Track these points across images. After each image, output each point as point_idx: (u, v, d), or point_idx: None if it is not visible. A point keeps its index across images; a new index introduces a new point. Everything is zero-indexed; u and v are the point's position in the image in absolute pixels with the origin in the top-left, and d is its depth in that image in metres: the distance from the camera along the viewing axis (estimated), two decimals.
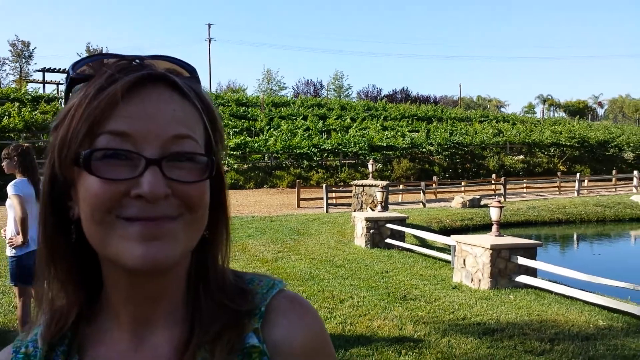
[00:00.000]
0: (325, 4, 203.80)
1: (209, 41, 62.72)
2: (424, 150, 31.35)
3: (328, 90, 69.46)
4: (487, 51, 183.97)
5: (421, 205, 19.70)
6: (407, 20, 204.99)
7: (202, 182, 0.63)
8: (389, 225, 11.37)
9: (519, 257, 7.76)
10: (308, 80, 64.00)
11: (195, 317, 0.68)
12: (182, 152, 0.62)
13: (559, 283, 7.70)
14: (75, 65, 0.66)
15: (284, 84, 65.48)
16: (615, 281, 6.52)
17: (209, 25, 62.93)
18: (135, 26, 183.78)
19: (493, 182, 24.69)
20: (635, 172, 27.11)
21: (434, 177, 24.51)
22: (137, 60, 0.64)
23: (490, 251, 7.72)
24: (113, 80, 0.61)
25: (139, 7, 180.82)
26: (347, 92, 70.99)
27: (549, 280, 7.87)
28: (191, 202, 0.62)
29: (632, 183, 26.52)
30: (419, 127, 37.05)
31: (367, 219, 11.34)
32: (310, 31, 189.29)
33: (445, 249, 10.76)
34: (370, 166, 15.64)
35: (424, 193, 20.44)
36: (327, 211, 18.18)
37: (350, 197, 17.38)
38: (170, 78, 0.63)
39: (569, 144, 36.46)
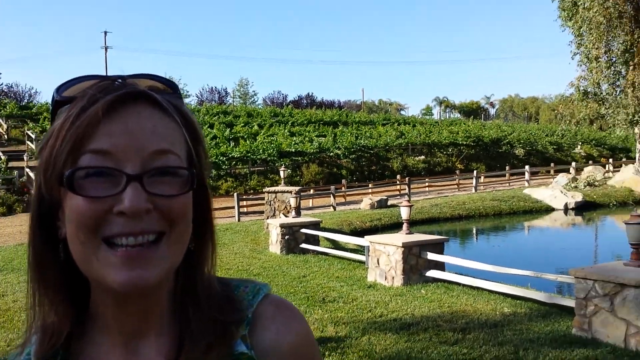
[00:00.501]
0: (228, 11, 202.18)
1: (105, 49, 60.26)
2: (331, 154, 31.91)
3: (233, 98, 68.84)
4: (387, 56, 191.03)
5: (332, 209, 20.05)
6: (310, 26, 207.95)
7: (184, 195, 0.64)
8: (303, 231, 11.51)
9: (429, 253, 8.15)
10: (212, 87, 62.98)
11: (185, 330, 0.69)
12: (162, 167, 0.63)
13: (465, 275, 8.16)
14: (59, 89, 0.67)
15: (188, 91, 63.90)
16: (518, 270, 7.02)
17: (105, 32, 60.49)
18: (29, 35, 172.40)
19: (398, 182, 25.61)
20: (527, 167, 29.17)
21: (343, 181, 25.05)
22: (119, 80, 0.66)
23: (402, 249, 8.04)
24: (94, 100, 0.62)
25: (30, 17, 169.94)
26: (252, 99, 70.76)
27: (456, 273, 8.32)
28: (173, 215, 0.63)
29: (524, 177, 28.51)
30: (325, 132, 37.63)
31: (282, 226, 11.41)
32: (212, 38, 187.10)
33: (359, 250, 11.05)
34: (281, 172, 15.74)
35: (334, 197, 20.84)
36: (238, 220, 18.06)
37: (262, 204, 17.37)
38: (150, 95, 0.65)
39: (465, 143, 38.54)
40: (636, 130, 25.33)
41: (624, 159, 38.30)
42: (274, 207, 15.38)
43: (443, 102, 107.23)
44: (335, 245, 12.19)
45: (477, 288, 7.57)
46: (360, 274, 9.11)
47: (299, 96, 63.90)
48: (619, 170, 27.56)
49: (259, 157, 29.69)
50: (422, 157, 35.90)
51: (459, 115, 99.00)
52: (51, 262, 0.67)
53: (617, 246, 12.65)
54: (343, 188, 23.69)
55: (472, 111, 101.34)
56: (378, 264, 8.51)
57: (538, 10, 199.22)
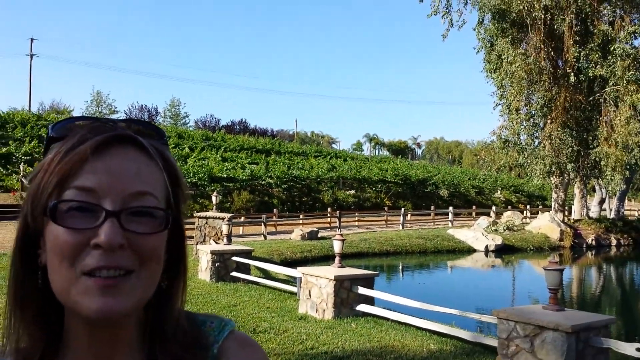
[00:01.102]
0: (163, 27, 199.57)
1: (31, 57, 57.86)
2: (263, 182, 31.89)
3: (164, 117, 67.53)
4: (321, 89, 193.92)
5: (263, 238, 19.99)
6: (247, 53, 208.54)
7: (157, 235, 0.69)
8: (235, 258, 11.42)
9: (360, 287, 8.33)
10: (142, 105, 61.52)
11: None
12: (140, 207, 0.67)
13: (394, 310, 8.38)
14: (54, 126, 0.73)
15: (116, 107, 61.99)
16: (445, 308, 7.30)
17: (32, 40, 58.17)
18: None
19: (329, 215, 25.93)
20: (451, 208, 30.31)
21: (274, 210, 25.05)
22: (111, 123, 0.72)
23: (334, 282, 8.17)
24: (84, 139, 0.68)
25: None
26: (184, 120, 69.64)
27: (385, 308, 8.52)
28: (145, 254, 0.67)
29: (448, 218, 29.60)
30: (258, 160, 37.62)
31: (213, 252, 11.28)
32: (145, 54, 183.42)
33: (289, 281, 11.09)
34: (214, 198, 15.60)
35: (265, 225, 20.80)
36: None
37: (192, 229, 17.07)
38: (137, 139, 0.70)
39: (394, 180, 39.63)
40: (552, 180, 26.97)
41: (540, 206, 40.60)
42: (205, 233, 15.18)
43: (373, 139, 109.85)
44: (266, 274, 12.16)
45: (405, 324, 7.78)
46: (291, 305, 9.14)
47: (232, 121, 63.51)
48: (535, 217, 29.18)
49: (189, 180, 29.21)
50: (353, 191, 36.52)
51: (387, 152, 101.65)
52: (29, 288, 0.71)
53: (534, 289, 13.38)
54: (274, 217, 23.70)
55: (400, 150, 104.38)
56: (310, 295, 8.59)
57: (465, 59, 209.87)
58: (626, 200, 37.44)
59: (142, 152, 0.70)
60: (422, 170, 46.80)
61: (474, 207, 36.29)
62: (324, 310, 8.30)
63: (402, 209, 28.16)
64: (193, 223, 16.01)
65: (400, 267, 18.70)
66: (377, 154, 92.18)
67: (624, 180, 24.94)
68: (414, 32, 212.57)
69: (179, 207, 0.75)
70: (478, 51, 25.97)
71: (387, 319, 8.05)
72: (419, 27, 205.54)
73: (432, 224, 29.63)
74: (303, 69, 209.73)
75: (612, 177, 23.02)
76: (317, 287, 8.48)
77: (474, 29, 25.40)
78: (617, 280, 19.09)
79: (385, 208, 30.62)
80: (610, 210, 32.83)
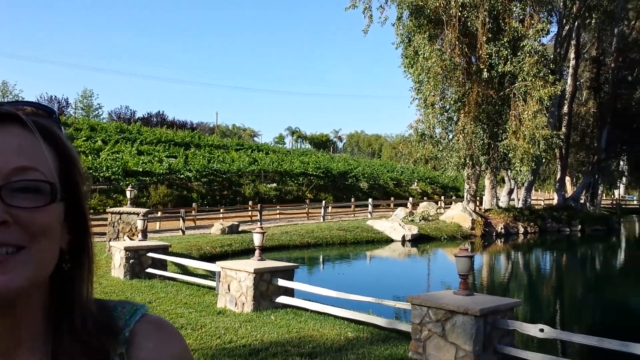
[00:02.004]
0: (73, 15, 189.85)
1: None
2: (182, 176, 31.15)
3: (75, 109, 64.42)
4: (242, 82, 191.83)
5: (180, 233, 19.53)
6: (164, 43, 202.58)
7: (45, 209, 0.66)
8: (150, 255, 11.08)
9: (279, 279, 8.32)
10: (52, 96, 58.30)
11: (59, 352, 0.69)
12: (23, 180, 0.65)
13: (313, 301, 8.44)
14: None
15: (23, 98, 58.51)
16: (361, 296, 7.43)
17: None
18: None
19: (250, 208, 25.74)
20: (370, 200, 30.94)
21: (193, 204, 24.54)
22: None
23: (254, 275, 8.11)
24: None
25: None
26: (97, 112, 66.76)
27: (305, 299, 8.57)
28: (34, 229, 0.65)
29: (368, 209, 30.19)
30: (176, 153, 36.71)
31: (127, 249, 10.89)
32: (54, 43, 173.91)
33: (208, 276, 10.90)
34: (128, 192, 15.04)
35: (184, 220, 20.33)
36: None
37: (104, 225, 16.40)
38: (20, 116, 0.68)
39: (315, 173, 39.95)
40: (465, 171, 28.15)
41: (454, 197, 42.30)
42: (118, 229, 14.63)
43: (295, 133, 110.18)
44: (184, 270, 11.90)
45: (324, 313, 7.86)
46: (209, 300, 8.99)
47: (148, 113, 61.46)
48: (449, 207, 30.37)
49: (102, 174, 28.05)
50: (274, 184, 36.47)
51: (309, 146, 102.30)
52: None
53: (447, 276, 13.91)
54: (193, 212, 23.22)
55: (322, 143, 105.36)
56: (229, 289, 8.48)
57: (387, 54, 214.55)
58: (533, 191, 39.75)
59: (27, 129, 0.68)
60: (343, 163, 47.46)
61: (392, 198, 37.25)
62: (243, 304, 8.22)
63: (323, 202, 28.43)
64: (106, 219, 15.39)
65: (321, 259, 18.89)
66: (299, 147, 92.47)
67: (531, 171, 26.47)
68: (336, 26, 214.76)
69: (78, 186, 0.72)
70: (397, 47, 26.61)
71: (307, 310, 8.09)
72: (342, 22, 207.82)
73: (353, 215, 30.13)
74: (225, 61, 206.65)
75: (520, 169, 24.34)
76: (236, 280, 8.39)
77: (393, 25, 25.98)
78: (523, 266, 20.22)
79: (307, 201, 30.78)
80: (518, 200, 34.72)
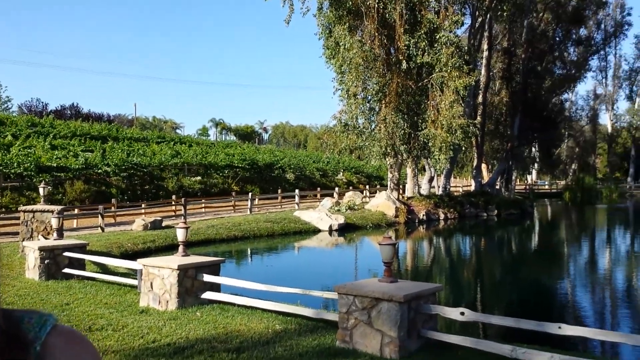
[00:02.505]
0: None
1: None
2: (100, 171, 29.89)
3: None
4: (162, 72, 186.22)
5: (100, 230, 18.76)
6: (74, 32, 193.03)
7: None
8: (67, 254, 10.55)
9: (205, 275, 8.15)
10: None
11: None
12: None
13: (241, 295, 8.34)
14: None
15: None
16: (289, 288, 7.41)
17: None
18: None
19: (173, 203, 25.09)
20: (297, 191, 31.00)
21: (113, 200, 23.61)
22: None
23: (178, 271, 7.90)
24: None
25: None
26: (6, 105, 62.79)
27: (231, 294, 8.45)
28: None
29: (295, 200, 30.24)
30: (93, 147, 35.14)
31: (42, 249, 10.31)
32: None
33: (130, 274, 10.53)
34: (41, 189, 14.21)
35: (103, 217, 19.53)
36: None
37: (17, 224, 15.48)
38: None
39: (241, 165, 39.52)
40: (387, 161, 28.76)
41: (378, 186, 43.16)
42: (32, 228, 13.83)
43: (219, 124, 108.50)
44: (104, 269, 11.43)
45: (251, 307, 7.79)
46: (132, 299, 8.68)
47: (62, 106, 58.37)
48: (374, 196, 30.95)
49: (13, 171, 26.43)
50: (199, 177, 35.76)
51: (234, 138, 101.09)
52: None
53: (373, 264, 14.17)
54: (113, 208, 22.34)
55: (247, 135, 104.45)
56: (152, 287, 8.22)
57: (308, 44, 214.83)
58: (452, 178, 41.27)
59: None
60: (269, 155, 47.26)
61: (318, 188, 37.51)
62: (167, 302, 7.99)
63: (250, 194, 28.21)
64: (18, 218, 14.52)
65: (249, 252, 18.73)
66: (223, 139, 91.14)
67: (449, 159, 27.39)
68: (261, 16, 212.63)
69: None
70: (320, 37, 26.69)
71: (234, 304, 7.99)
72: (267, 12, 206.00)
73: (280, 207, 30.10)
74: (142, 50, 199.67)
75: (439, 157, 25.14)
76: (159, 278, 8.14)
77: (315, 16, 26.03)
78: (445, 251, 20.97)
79: (233, 193, 30.42)
80: (439, 187, 35.93)
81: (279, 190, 33.48)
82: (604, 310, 11.04)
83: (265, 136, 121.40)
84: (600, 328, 9.07)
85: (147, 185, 31.73)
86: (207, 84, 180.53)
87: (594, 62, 65.43)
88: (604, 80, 69.85)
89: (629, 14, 61.78)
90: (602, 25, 60.55)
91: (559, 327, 5.05)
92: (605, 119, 71.07)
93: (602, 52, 64.96)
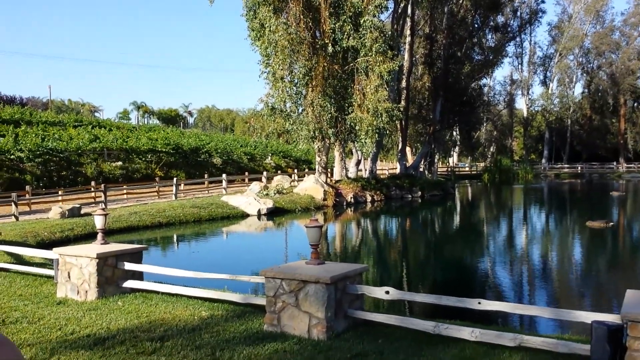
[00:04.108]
0: None
1: None
2: (12, 157, 28.17)
3: None
4: (78, 52, 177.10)
5: (14, 219, 17.72)
6: None
7: None
8: None
9: (126, 263, 7.85)
10: None
11: None
12: None
13: (166, 283, 8.10)
14: None
15: None
16: (215, 274, 7.26)
17: None
18: None
19: (93, 189, 24.07)
20: (224, 176, 30.54)
21: (27, 187, 22.32)
22: None
23: (97, 260, 7.57)
24: None
25: None
26: None
27: (155, 282, 8.20)
28: None
29: (222, 185, 29.79)
30: (4, 132, 33.05)
31: None
32: None
33: (47, 264, 10.00)
34: None
35: (16, 205, 18.43)
36: None
37: None
38: None
39: (164, 150, 38.42)
40: (315, 144, 28.86)
41: (307, 170, 43.30)
42: None
43: (141, 107, 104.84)
44: (19, 259, 10.79)
45: (176, 295, 7.59)
46: (48, 290, 8.24)
47: None
48: (302, 180, 31.03)
49: None
50: (120, 163, 34.47)
51: (157, 121, 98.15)
52: None
53: (302, 246, 14.21)
54: (27, 195, 21.13)
55: (171, 118, 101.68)
56: (69, 277, 7.83)
57: (233, 24, 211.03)
58: (378, 161, 42.05)
59: None
60: (194, 139, 46.24)
61: (246, 173, 37.17)
62: (86, 292, 7.65)
63: (175, 179, 27.51)
64: None
65: (175, 238, 18.31)
66: (146, 122, 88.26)
67: (375, 143, 27.84)
68: None
69: None
70: (246, 19, 26.21)
71: (158, 293, 7.75)
72: None
73: (207, 192, 29.57)
74: (56, 29, 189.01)
75: (365, 141, 25.50)
76: (77, 267, 7.77)
77: None
78: (372, 232, 21.38)
79: (157, 179, 29.57)
80: (365, 170, 36.52)
81: (206, 175, 32.88)
82: (523, 285, 11.63)
83: (191, 120, 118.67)
84: (519, 302, 9.55)
85: (64, 171, 30.24)
86: (128, 65, 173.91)
87: (511, 49, 68.46)
88: (519, 66, 73.25)
89: (543, 2, 64.62)
90: (518, 13, 63.28)
91: (479, 303, 5.23)
92: (521, 104, 74.62)
93: (518, 39, 67.99)
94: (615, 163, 70.53)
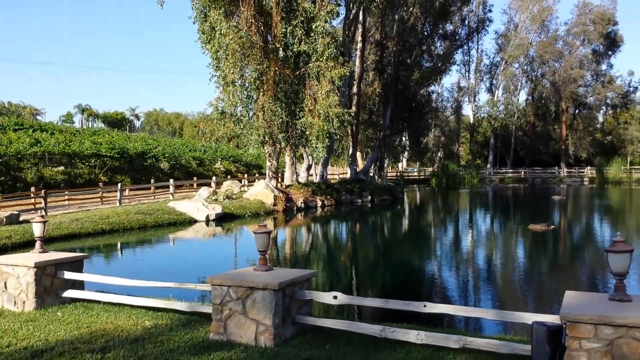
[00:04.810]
0: None
1: None
2: None
3: None
4: (18, 53, 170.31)
5: None
6: None
7: None
8: None
9: (66, 272, 7.56)
10: None
11: None
12: None
13: (109, 292, 7.84)
14: None
15: None
16: (160, 282, 7.07)
17: None
18: None
19: (32, 195, 23.13)
20: (171, 181, 29.96)
21: None
22: None
23: (35, 269, 7.25)
24: None
25: None
26: None
27: (96, 291, 7.91)
28: None
29: (169, 191, 29.20)
30: None
31: None
32: None
33: None
34: None
35: None
36: None
37: None
38: None
39: (109, 154, 37.35)
40: (266, 149, 28.72)
41: (257, 175, 43.03)
42: None
43: (86, 110, 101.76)
44: None
45: (119, 304, 7.36)
46: None
47: None
48: (253, 185, 30.80)
49: None
50: (62, 167, 33.28)
51: (103, 125, 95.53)
52: None
53: (252, 253, 14.05)
54: None
55: (117, 122, 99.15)
56: (6, 288, 7.48)
57: (182, 27, 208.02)
58: (329, 166, 42.25)
59: None
60: (141, 143, 45.19)
61: (195, 178, 36.59)
62: (24, 302, 7.32)
63: (119, 184, 26.79)
64: None
65: (119, 246, 17.78)
66: (90, 126, 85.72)
67: (326, 148, 27.95)
68: None
69: None
70: (194, 21, 25.85)
71: (99, 302, 7.50)
72: None
73: (153, 197, 28.93)
74: None
75: (316, 146, 25.55)
76: (14, 277, 7.42)
77: None
78: (322, 237, 21.40)
79: (101, 184, 28.69)
80: (316, 175, 36.61)
81: (152, 180, 32.18)
82: (469, 287, 11.86)
83: (138, 123, 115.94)
84: (464, 304, 9.74)
85: (3, 176, 28.96)
86: (73, 67, 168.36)
87: (459, 56, 70.37)
88: (467, 73, 75.30)
89: (490, 11, 66.83)
90: (466, 21, 65.08)
91: (424, 306, 5.29)
92: (468, 110, 76.68)
93: (465, 47, 69.92)
94: (556, 168, 73.36)
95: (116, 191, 25.75)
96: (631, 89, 78.17)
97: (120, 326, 6.35)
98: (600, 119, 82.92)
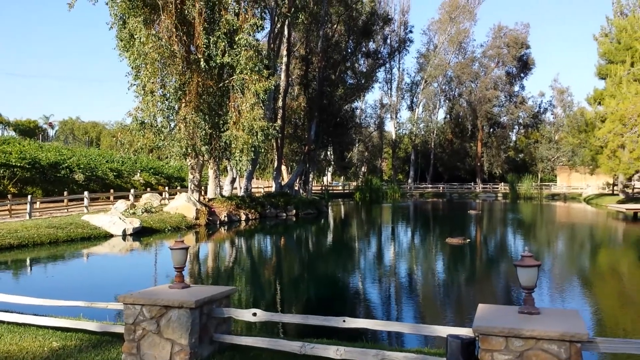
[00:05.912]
0: None
1: None
2: None
3: None
4: None
5: None
6: None
7: None
8: None
9: None
10: None
11: None
12: None
13: (12, 312, 7.33)
14: None
15: None
16: (69, 301, 6.69)
17: None
18: None
19: None
20: (86, 193, 28.60)
21: None
22: None
23: None
24: None
25: None
26: None
27: (0, 311, 7.38)
28: None
29: (84, 203, 27.88)
30: None
31: None
32: None
33: None
34: None
35: None
36: None
37: None
38: None
39: (19, 164, 35.29)
40: (188, 161, 28.10)
41: (179, 187, 41.98)
42: None
43: None
44: None
45: (25, 324, 6.90)
46: None
47: None
48: (174, 198, 30.01)
49: None
50: None
51: (13, 133, 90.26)
52: None
53: (171, 269, 13.61)
54: None
55: (30, 130, 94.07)
56: None
57: (104, 33, 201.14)
58: (254, 179, 41.96)
59: None
60: (54, 153, 43.02)
61: (112, 190, 35.24)
62: None
63: (30, 197, 25.29)
64: None
65: (28, 262, 16.73)
66: (1, 134, 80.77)
67: (251, 161, 27.74)
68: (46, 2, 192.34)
69: None
70: (111, 27, 24.99)
71: (3, 322, 7.00)
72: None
73: (66, 211, 27.52)
74: None
75: (241, 159, 25.29)
76: None
77: (107, 4, 24.33)
78: (246, 252, 21.11)
79: (9, 196, 26.98)
80: (241, 188, 36.23)
81: (66, 193, 30.62)
82: (390, 300, 12.04)
83: (52, 132, 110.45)
84: (386, 317, 9.87)
85: None
86: None
87: (381, 74, 72.31)
88: (389, 90, 77.40)
89: (410, 32, 69.07)
90: (389, 41, 67.02)
91: (344, 321, 5.29)
92: (390, 127, 78.66)
93: (388, 65, 71.91)
94: (472, 184, 76.60)
95: (26, 203, 24.30)
96: (541, 109, 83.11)
97: (26, 348, 5.94)
98: (513, 138, 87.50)
